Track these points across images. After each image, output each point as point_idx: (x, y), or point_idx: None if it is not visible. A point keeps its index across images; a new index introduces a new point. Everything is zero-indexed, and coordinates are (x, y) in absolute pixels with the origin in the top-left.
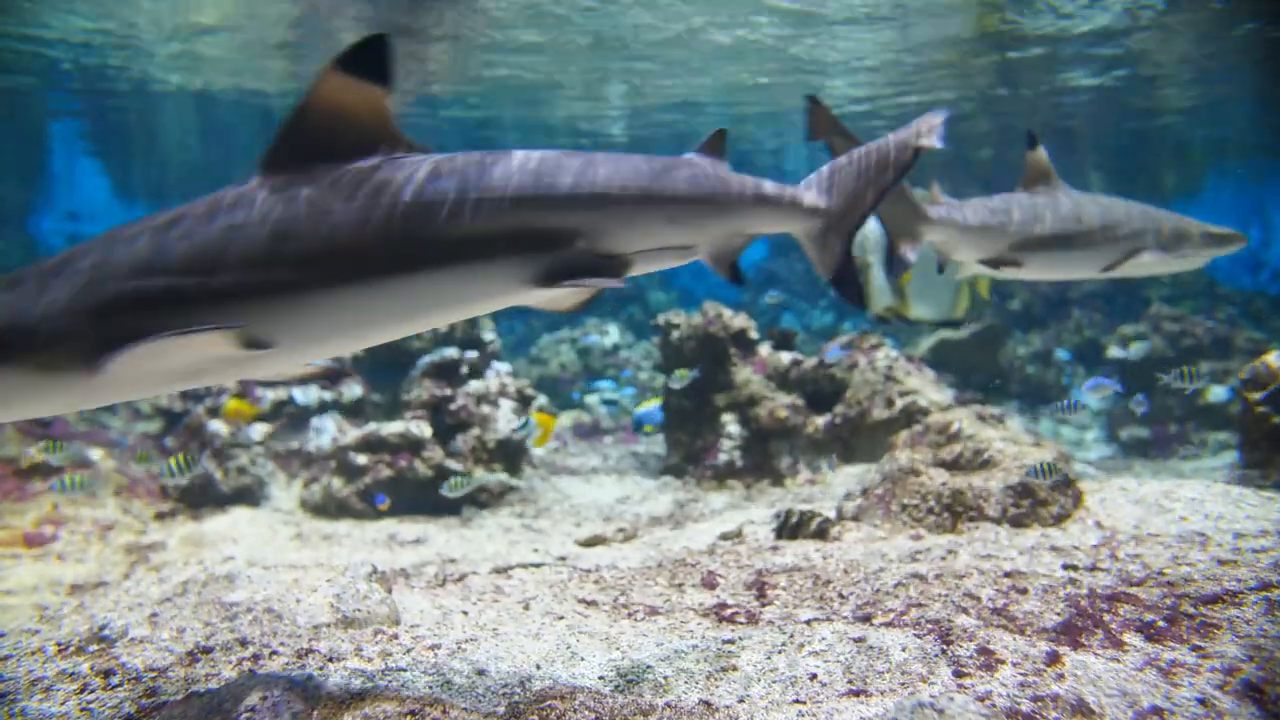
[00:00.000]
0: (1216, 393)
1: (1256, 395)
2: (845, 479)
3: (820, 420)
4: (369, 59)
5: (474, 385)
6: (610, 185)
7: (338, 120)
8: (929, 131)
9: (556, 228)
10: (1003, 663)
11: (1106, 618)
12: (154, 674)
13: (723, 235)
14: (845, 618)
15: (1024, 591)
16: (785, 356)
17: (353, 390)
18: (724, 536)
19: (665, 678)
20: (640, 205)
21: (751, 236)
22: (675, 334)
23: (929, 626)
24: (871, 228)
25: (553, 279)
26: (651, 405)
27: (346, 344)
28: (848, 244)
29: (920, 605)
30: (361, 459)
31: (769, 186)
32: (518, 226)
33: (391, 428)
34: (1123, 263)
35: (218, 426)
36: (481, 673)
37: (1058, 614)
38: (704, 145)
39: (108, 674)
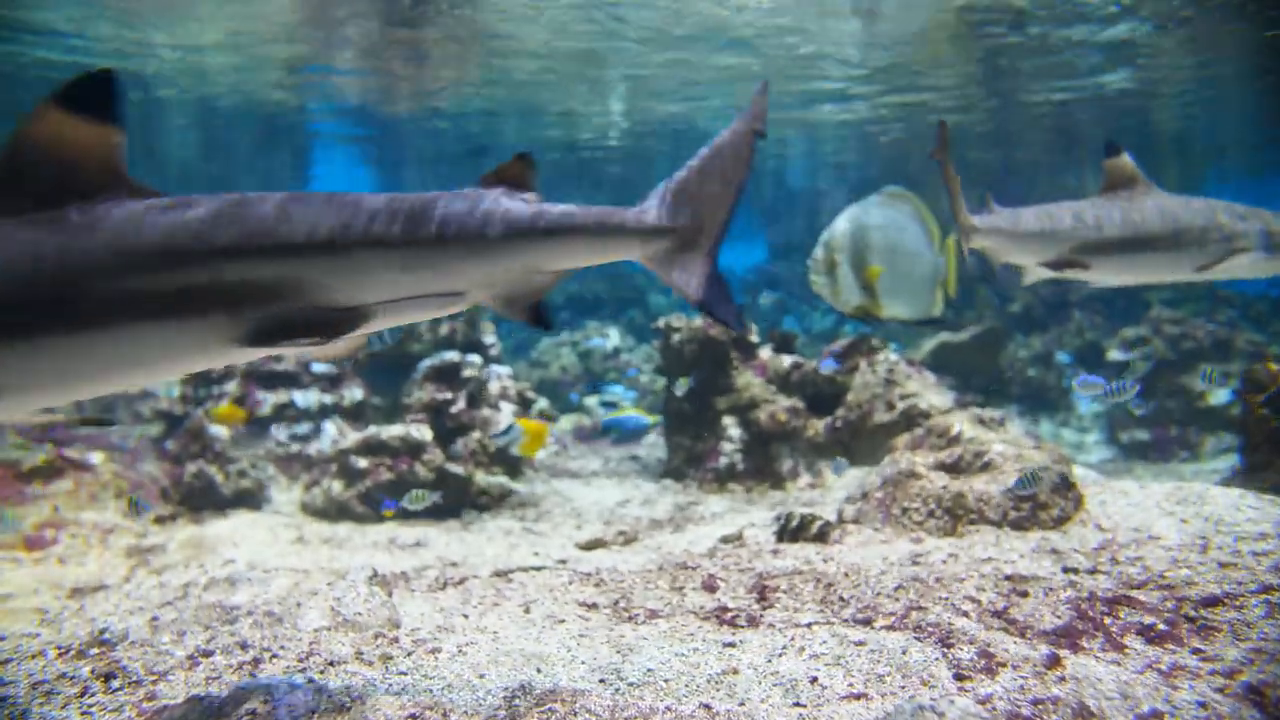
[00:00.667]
0: (1217, 395)
1: (1258, 398)
2: (846, 482)
3: (821, 423)
4: (93, 95)
5: (474, 388)
6: (332, 232)
7: (52, 160)
8: (761, 115)
9: (267, 281)
10: (1003, 666)
11: (1107, 621)
12: (154, 677)
13: (504, 277)
14: (846, 621)
15: (1024, 595)
16: (786, 359)
17: (353, 393)
18: (725, 539)
19: (666, 681)
20: (370, 252)
21: (560, 273)
22: (676, 337)
23: (929, 630)
24: (839, 224)
25: (269, 336)
26: (625, 414)
27: (46, 397)
28: (712, 260)
29: (921, 608)
30: (362, 462)
31: (580, 216)
32: (219, 281)
33: (392, 431)
34: (1218, 264)
35: (218, 430)
36: (482, 676)
37: (1058, 617)
38: (494, 174)
39: (108, 677)
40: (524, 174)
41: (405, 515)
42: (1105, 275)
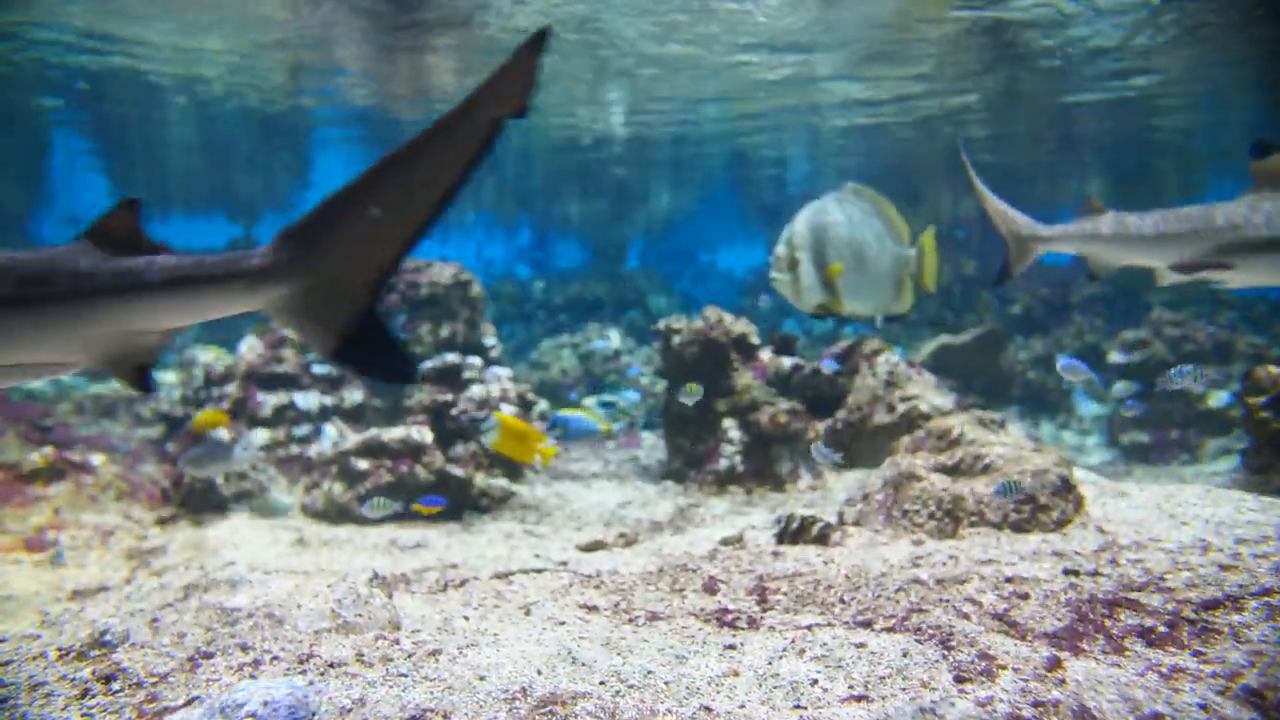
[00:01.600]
0: (1217, 398)
1: (1258, 400)
2: (846, 484)
3: (822, 425)
4: None
5: (475, 390)
6: None
7: None
8: (517, 88)
9: None
10: (1004, 668)
11: (1108, 623)
12: (155, 679)
13: (97, 341)
14: (846, 623)
15: (1025, 597)
16: (786, 361)
17: (354, 395)
18: (725, 541)
19: (666, 683)
20: None
21: (171, 331)
22: (676, 339)
23: (930, 632)
24: (799, 222)
25: None
26: (575, 412)
27: None
28: (365, 301)
29: (921, 610)
30: (362, 464)
31: (167, 269)
32: None
33: (392, 433)
34: None
35: (219, 432)
36: (482, 678)
37: (1059, 619)
38: (97, 225)
39: (109, 679)
40: (127, 223)
41: (401, 517)
42: (1251, 276)
